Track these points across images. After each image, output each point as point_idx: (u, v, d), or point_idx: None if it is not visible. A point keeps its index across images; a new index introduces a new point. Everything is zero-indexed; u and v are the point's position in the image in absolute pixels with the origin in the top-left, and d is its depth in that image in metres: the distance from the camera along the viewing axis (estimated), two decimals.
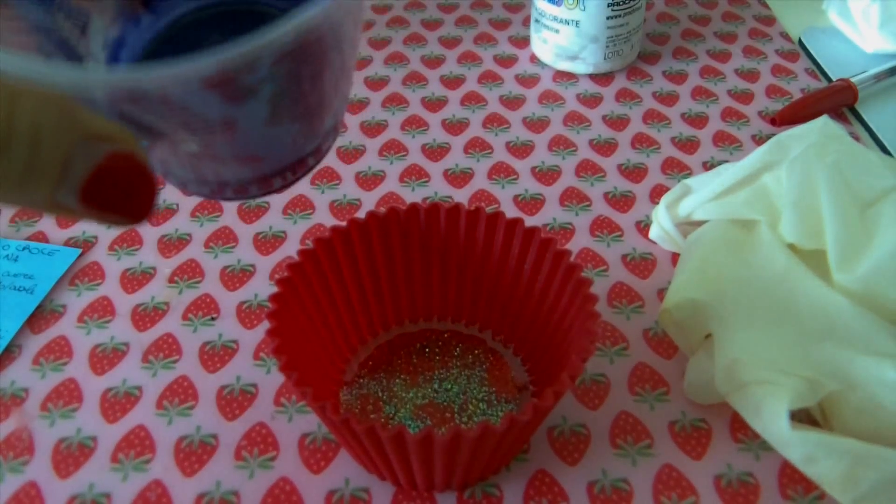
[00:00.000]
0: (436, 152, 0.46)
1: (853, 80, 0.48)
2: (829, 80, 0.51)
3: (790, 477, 0.30)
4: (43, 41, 0.16)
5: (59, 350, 0.35)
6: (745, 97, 0.50)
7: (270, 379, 0.34)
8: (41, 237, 0.41)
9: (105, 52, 0.18)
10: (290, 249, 0.40)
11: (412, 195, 0.43)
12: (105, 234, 0.41)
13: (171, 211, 0.42)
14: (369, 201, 0.42)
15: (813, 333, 0.30)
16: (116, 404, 0.33)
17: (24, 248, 0.40)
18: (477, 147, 0.46)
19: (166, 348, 0.35)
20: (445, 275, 0.33)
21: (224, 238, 0.40)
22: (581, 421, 0.32)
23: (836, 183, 0.33)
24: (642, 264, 0.39)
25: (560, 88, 0.51)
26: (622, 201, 0.42)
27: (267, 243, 0.40)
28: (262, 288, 0.38)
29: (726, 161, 0.43)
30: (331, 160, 0.44)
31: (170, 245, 0.40)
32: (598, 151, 0.46)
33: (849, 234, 0.32)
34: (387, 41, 0.56)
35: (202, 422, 0.32)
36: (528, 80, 0.52)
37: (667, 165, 0.44)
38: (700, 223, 0.37)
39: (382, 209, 0.32)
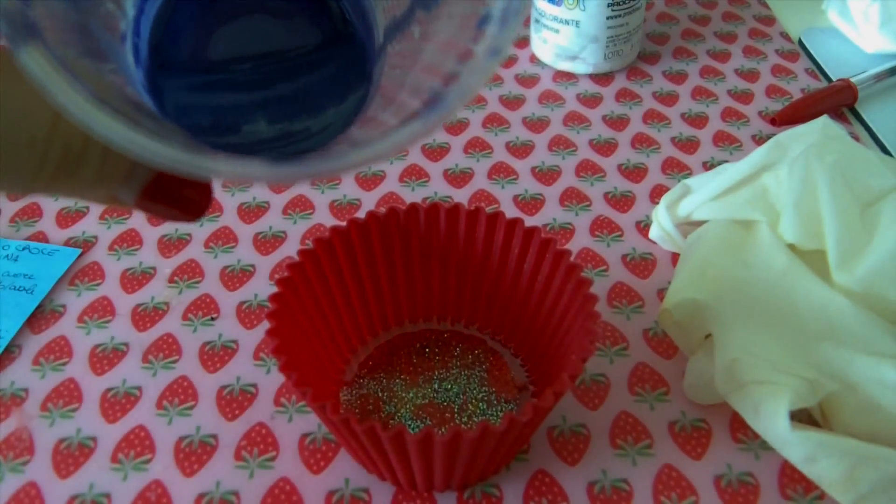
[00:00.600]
0: (436, 152, 0.46)
1: (853, 80, 0.48)
2: (829, 80, 0.51)
3: (790, 477, 0.30)
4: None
5: (59, 350, 0.35)
6: (745, 97, 0.50)
7: (270, 379, 0.34)
8: (41, 237, 0.41)
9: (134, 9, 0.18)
10: (290, 249, 0.40)
11: (412, 195, 0.43)
12: (105, 234, 0.41)
13: None
14: (369, 201, 0.42)
15: (813, 333, 0.30)
16: (116, 404, 0.33)
17: (24, 248, 0.40)
18: (477, 147, 0.46)
19: (166, 348, 0.35)
20: (445, 275, 0.33)
21: (224, 238, 0.40)
22: (581, 421, 0.32)
23: (836, 183, 0.33)
24: (642, 264, 0.39)
25: (560, 88, 0.51)
26: (622, 201, 0.42)
27: (267, 243, 0.40)
28: (262, 288, 0.38)
29: (726, 161, 0.43)
30: None
31: (170, 245, 0.40)
32: (598, 151, 0.46)
33: (849, 234, 0.32)
34: None
35: (202, 422, 0.32)
36: (528, 80, 0.52)
37: (667, 165, 0.44)
38: (700, 223, 0.37)
39: (382, 209, 0.32)
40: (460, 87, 0.15)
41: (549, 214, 0.41)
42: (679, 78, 0.52)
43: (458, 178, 0.44)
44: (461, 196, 0.43)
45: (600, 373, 0.34)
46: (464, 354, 0.34)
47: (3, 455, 0.31)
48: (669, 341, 0.35)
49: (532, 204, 0.42)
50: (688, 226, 0.38)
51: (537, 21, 0.51)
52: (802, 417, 0.30)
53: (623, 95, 0.50)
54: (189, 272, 0.39)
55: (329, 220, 0.41)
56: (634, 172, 0.44)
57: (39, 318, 0.36)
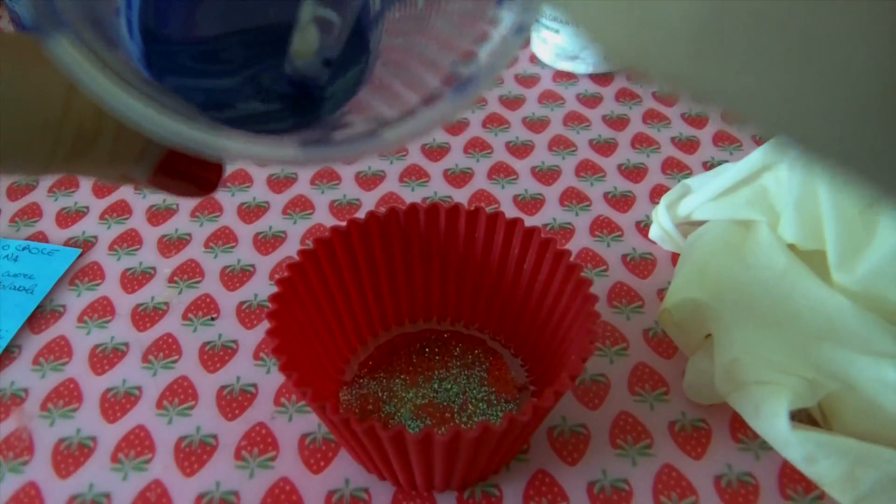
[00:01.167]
0: (435, 152, 0.46)
1: None
2: None
3: (790, 477, 0.30)
4: None
5: (59, 350, 0.35)
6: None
7: (270, 379, 0.34)
8: (41, 237, 0.41)
9: None
10: (290, 249, 0.40)
11: (412, 195, 0.43)
12: (105, 234, 0.41)
13: (171, 211, 0.42)
14: (369, 201, 0.42)
15: (813, 333, 0.30)
16: (116, 404, 0.33)
17: (24, 248, 0.39)
18: (477, 147, 0.46)
19: (166, 348, 0.35)
20: (445, 275, 0.33)
21: (224, 238, 0.40)
22: (581, 421, 0.32)
23: (836, 183, 0.33)
24: (642, 264, 0.39)
25: (560, 88, 0.51)
26: (622, 201, 0.42)
27: (267, 243, 0.40)
28: (262, 288, 0.38)
29: (726, 161, 0.43)
30: None
31: (170, 245, 0.40)
32: (598, 151, 0.46)
33: (849, 235, 0.32)
34: None
35: (202, 422, 0.32)
36: (527, 80, 0.52)
37: (667, 165, 0.44)
38: (700, 223, 0.37)
39: (382, 209, 0.32)
40: (487, 66, 0.15)
41: (549, 214, 0.41)
42: None
43: (458, 178, 0.44)
44: (461, 196, 0.43)
45: (600, 373, 0.34)
46: (464, 354, 0.34)
47: (3, 455, 0.31)
48: (669, 341, 0.35)
49: (532, 204, 0.42)
50: (688, 226, 0.38)
51: (537, 21, 0.51)
52: (802, 417, 0.30)
53: (623, 95, 0.50)
54: (189, 272, 0.38)
55: (329, 220, 0.41)
56: (634, 172, 0.44)
57: (39, 318, 0.36)
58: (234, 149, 0.14)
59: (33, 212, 0.42)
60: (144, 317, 0.36)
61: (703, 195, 0.36)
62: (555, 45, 0.51)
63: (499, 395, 0.32)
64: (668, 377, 0.33)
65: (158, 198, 0.43)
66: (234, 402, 0.33)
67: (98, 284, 0.38)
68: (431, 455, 0.26)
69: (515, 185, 0.43)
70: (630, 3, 0.11)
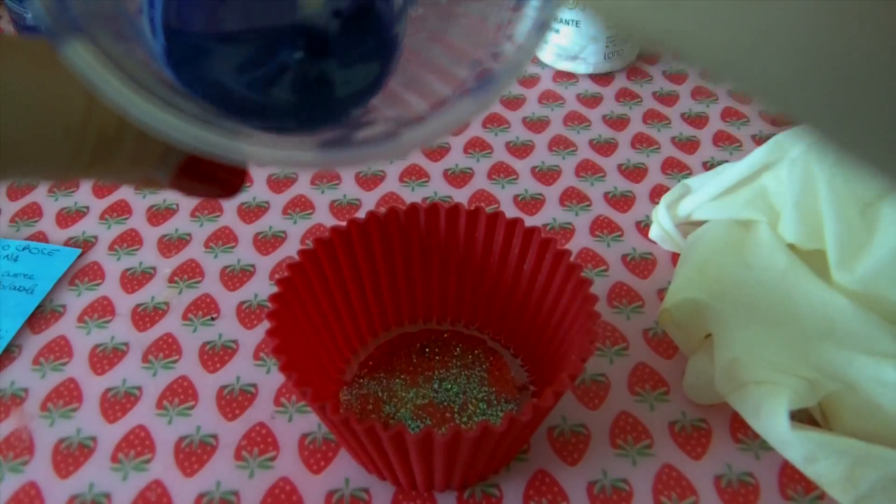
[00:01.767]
0: (436, 152, 0.46)
1: None
2: None
3: (790, 477, 0.30)
4: None
5: (59, 350, 0.35)
6: (746, 97, 0.50)
7: (270, 379, 0.34)
8: (41, 237, 0.41)
9: None
10: (290, 249, 0.40)
11: (412, 195, 0.43)
12: (105, 234, 0.41)
13: (171, 211, 0.42)
14: (369, 201, 0.42)
15: (813, 333, 0.30)
16: (116, 404, 0.33)
17: (24, 248, 0.39)
18: (477, 147, 0.46)
19: (166, 348, 0.35)
20: (445, 275, 0.33)
21: (224, 238, 0.40)
22: (581, 421, 0.32)
23: (836, 183, 0.33)
24: (642, 264, 0.39)
25: (560, 88, 0.51)
26: (622, 201, 0.42)
27: (267, 243, 0.40)
28: (262, 288, 0.38)
29: (726, 161, 0.43)
30: None
31: (170, 245, 0.40)
32: (598, 151, 0.46)
33: (849, 234, 0.32)
34: None
35: (202, 422, 0.32)
36: (527, 80, 0.52)
37: (667, 165, 0.44)
38: (700, 223, 0.37)
39: (382, 209, 0.32)
40: (509, 64, 0.15)
41: (549, 214, 0.41)
42: (679, 78, 0.52)
43: (458, 178, 0.44)
44: (461, 196, 0.43)
45: (600, 373, 0.34)
46: (464, 354, 0.34)
47: (3, 455, 0.31)
48: (669, 341, 0.35)
49: (532, 204, 0.42)
50: (688, 226, 0.38)
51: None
52: (802, 417, 0.30)
53: (623, 95, 0.50)
54: (189, 272, 0.38)
55: (329, 220, 0.41)
56: (634, 172, 0.44)
57: (39, 318, 0.36)
58: (254, 153, 0.14)
59: (33, 212, 0.42)
60: (144, 317, 0.36)
61: (703, 195, 0.36)
62: (555, 45, 0.51)
63: (499, 395, 0.32)
64: (668, 377, 0.33)
65: (158, 198, 0.43)
66: (234, 402, 0.33)
67: (98, 284, 0.38)
68: (431, 455, 0.26)
69: (515, 185, 0.43)
70: None
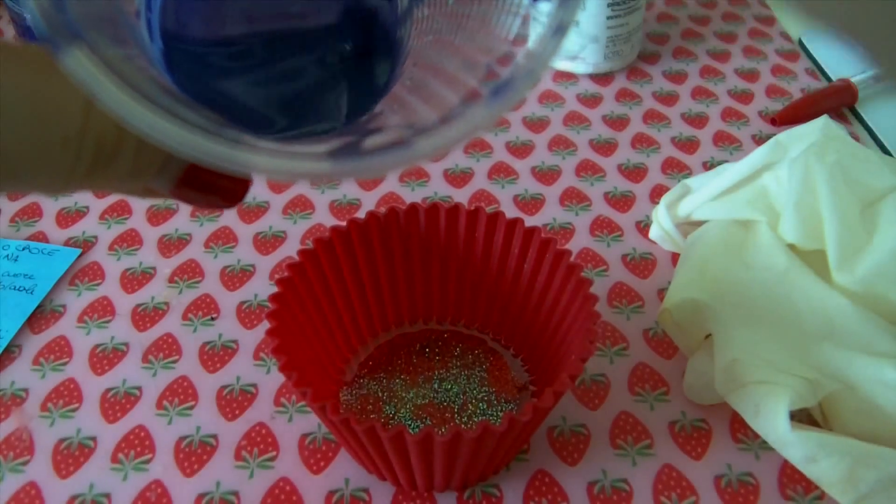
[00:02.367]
0: None
1: (853, 80, 0.48)
2: (829, 80, 0.51)
3: (790, 477, 0.30)
4: None
5: (59, 350, 0.35)
6: (745, 97, 0.50)
7: (270, 379, 0.34)
8: (41, 237, 0.41)
9: None
10: (290, 249, 0.40)
11: (412, 195, 0.43)
12: (105, 234, 0.41)
13: (171, 211, 0.42)
14: (369, 201, 0.42)
15: (813, 333, 0.30)
16: (116, 404, 0.33)
17: (24, 248, 0.39)
18: (477, 147, 0.46)
19: (166, 348, 0.35)
20: (445, 275, 0.33)
21: (224, 238, 0.40)
22: (581, 421, 0.32)
23: (836, 183, 0.33)
24: (642, 264, 0.39)
25: (560, 88, 0.51)
26: (622, 201, 0.42)
27: (267, 243, 0.40)
28: (262, 288, 0.38)
29: (726, 161, 0.43)
30: None
31: (170, 245, 0.40)
32: (598, 151, 0.46)
33: (849, 234, 0.32)
34: None
35: (202, 422, 0.32)
36: None
37: (667, 165, 0.44)
38: (700, 223, 0.37)
39: (382, 209, 0.32)
40: (525, 69, 0.14)
41: (549, 214, 0.41)
42: (679, 78, 0.52)
43: (458, 178, 0.44)
44: (461, 196, 0.43)
45: (600, 373, 0.34)
46: (464, 354, 0.34)
47: (3, 455, 0.31)
48: (669, 341, 0.35)
49: (532, 204, 0.42)
50: (688, 226, 0.38)
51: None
52: (802, 417, 0.30)
53: (623, 95, 0.50)
54: (189, 272, 0.38)
55: (329, 220, 0.41)
56: (634, 172, 0.44)
57: (39, 318, 0.36)
58: (259, 164, 0.13)
59: (33, 212, 0.42)
60: (144, 317, 0.36)
61: (703, 195, 0.36)
62: None
63: (499, 396, 0.32)
64: (668, 377, 0.33)
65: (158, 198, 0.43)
66: (234, 402, 0.33)
67: (98, 284, 0.38)
68: (431, 455, 0.26)
69: (515, 185, 0.43)
70: None
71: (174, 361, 0.34)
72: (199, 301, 0.37)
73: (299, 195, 0.43)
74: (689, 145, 0.46)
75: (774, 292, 0.32)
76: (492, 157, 0.45)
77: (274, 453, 0.31)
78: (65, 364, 0.34)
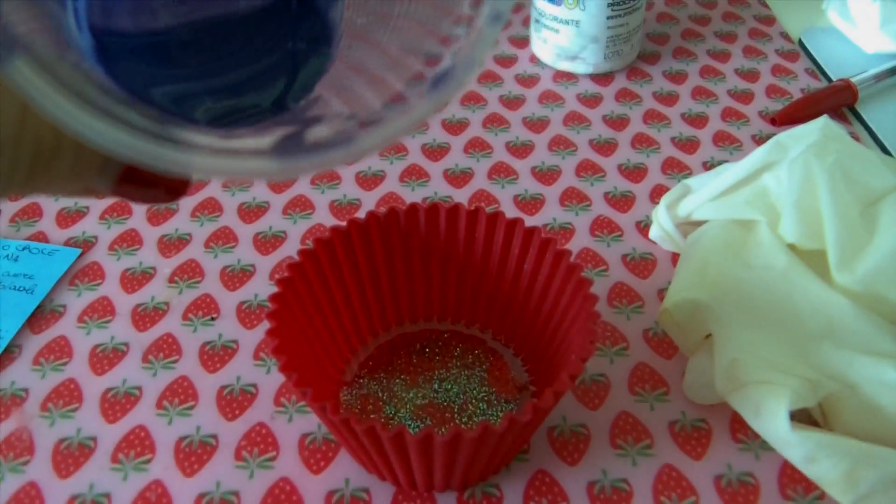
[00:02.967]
0: (436, 152, 0.46)
1: (853, 80, 0.48)
2: (829, 80, 0.51)
3: (790, 477, 0.30)
4: None
5: (59, 350, 0.35)
6: (745, 97, 0.50)
7: (270, 379, 0.34)
8: (41, 237, 0.41)
9: None
10: (290, 249, 0.40)
11: (412, 195, 0.43)
12: (105, 234, 0.41)
13: (171, 211, 0.42)
14: (369, 201, 0.42)
15: (813, 333, 0.30)
16: (116, 404, 0.33)
17: (24, 248, 0.40)
18: (477, 147, 0.46)
19: (166, 348, 0.35)
20: (445, 275, 0.33)
21: (224, 238, 0.40)
22: (581, 421, 0.32)
23: (836, 183, 0.33)
24: (642, 264, 0.39)
25: (560, 88, 0.51)
26: (622, 201, 0.42)
27: (267, 243, 0.40)
28: (262, 288, 0.38)
29: (726, 161, 0.43)
30: None
31: (170, 245, 0.40)
32: (598, 151, 0.46)
33: (849, 234, 0.32)
34: None
35: (202, 422, 0.32)
36: (528, 80, 0.52)
37: (667, 165, 0.44)
38: (700, 223, 0.37)
39: (382, 209, 0.32)
40: (464, 59, 0.14)
41: (549, 214, 0.41)
42: (679, 78, 0.52)
43: (458, 178, 0.44)
44: (461, 196, 0.43)
45: (600, 373, 0.34)
46: (464, 354, 0.34)
47: (3, 455, 0.31)
48: (669, 341, 0.35)
49: (532, 204, 0.42)
50: (688, 226, 0.38)
51: (537, 21, 0.51)
52: (802, 417, 0.30)
53: (623, 95, 0.50)
54: (189, 272, 0.39)
55: (329, 220, 0.41)
56: (634, 172, 0.44)
57: (39, 318, 0.36)
58: (198, 163, 0.13)
59: (33, 212, 0.42)
60: (144, 317, 0.36)
61: (703, 195, 0.36)
62: (555, 45, 0.51)
63: (499, 396, 0.32)
64: (668, 377, 0.33)
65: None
66: (234, 402, 0.33)
67: (98, 284, 0.38)
68: (431, 455, 0.26)
69: (515, 185, 0.43)
70: None
71: (174, 361, 0.34)
72: (199, 301, 0.37)
73: (299, 195, 0.43)
74: (689, 145, 0.46)
75: (774, 292, 0.32)
76: (492, 157, 0.45)
77: (274, 453, 0.31)
78: (65, 364, 0.34)
